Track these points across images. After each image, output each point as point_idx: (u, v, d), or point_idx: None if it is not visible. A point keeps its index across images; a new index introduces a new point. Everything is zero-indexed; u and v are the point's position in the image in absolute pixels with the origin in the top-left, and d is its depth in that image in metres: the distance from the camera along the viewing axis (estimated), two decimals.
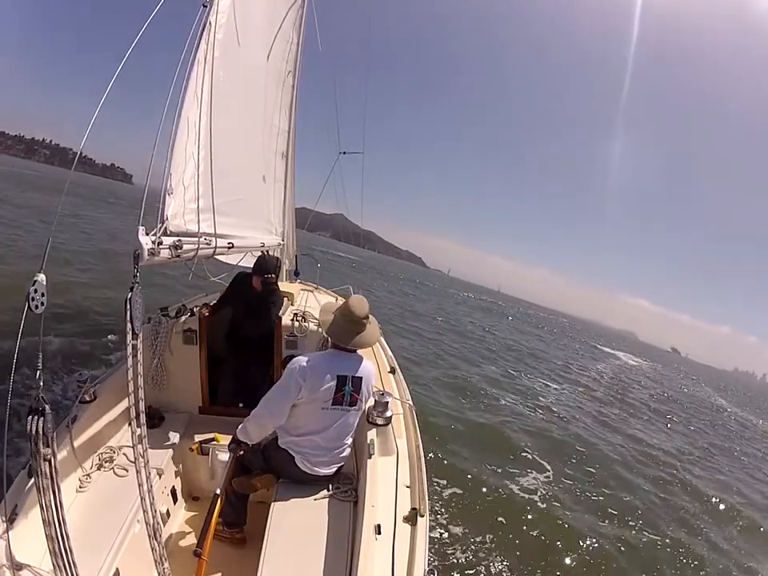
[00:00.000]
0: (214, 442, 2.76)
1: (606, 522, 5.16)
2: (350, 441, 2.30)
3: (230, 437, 2.30)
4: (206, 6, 2.28)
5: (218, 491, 2.12)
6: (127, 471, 2.27)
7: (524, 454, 6.40)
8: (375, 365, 3.43)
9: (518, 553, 4.07)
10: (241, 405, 3.07)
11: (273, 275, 3.12)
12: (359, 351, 2.29)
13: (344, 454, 2.28)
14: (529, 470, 5.90)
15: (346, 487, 2.25)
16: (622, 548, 4.63)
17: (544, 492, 5.37)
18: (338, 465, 2.28)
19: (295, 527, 2.01)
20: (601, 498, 5.74)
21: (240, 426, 2.22)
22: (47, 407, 1.36)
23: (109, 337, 6.63)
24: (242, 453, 2.25)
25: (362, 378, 2.20)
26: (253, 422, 2.15)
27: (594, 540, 4.56)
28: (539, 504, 5.05)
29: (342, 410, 2.17)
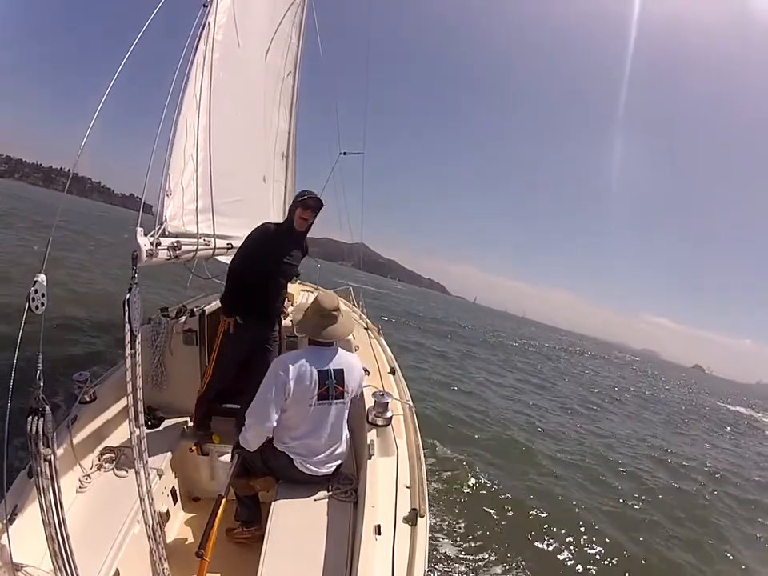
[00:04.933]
0: (215, 443, 2.76)
1: (616, 526, 5.13)
2: (344, 436, 2.31)
3: (231, 436, 2.30)
4: (206, 6, 2.28)
5: (222, 493, 2.10)
6: (127, 471, 2.27)
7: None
8: (375, 365, 3.42)
9: (518, 554, 4.06)
10: (239, 406, 3.07)
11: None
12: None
13: (340, 450, 2.28)
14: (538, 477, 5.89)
15: (346, 488, 2.25)
16: (629, 553, 4.60)
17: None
18: (337, 463, 2.28)
19: (295, 528, 2.01)
20: (611, 502, 5.73)
21: (240, 435, 2.22)
22: (47, 407, 1.36)
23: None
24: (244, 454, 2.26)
25: (342, 369, 2.21)
26: (250, 431, 2.16)
27: (602, 544, 4.55)
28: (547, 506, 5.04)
29: (329, 404, 2.18)
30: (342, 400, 2.22)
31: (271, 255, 2.67)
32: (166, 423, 2.89)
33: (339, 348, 2.29)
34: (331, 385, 2.16)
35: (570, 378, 18.13)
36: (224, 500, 2.08)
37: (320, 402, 2.15)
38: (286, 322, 3.28)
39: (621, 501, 5.86)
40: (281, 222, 2.90)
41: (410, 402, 3.01)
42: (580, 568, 4.14)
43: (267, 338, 2.88)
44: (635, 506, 5.82)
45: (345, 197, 6.43)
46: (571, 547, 4.38)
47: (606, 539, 4.65)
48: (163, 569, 1.67)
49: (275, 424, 2.14)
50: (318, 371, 2.13)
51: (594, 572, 4.16)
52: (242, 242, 2.75)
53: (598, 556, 4.36)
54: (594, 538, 4.59)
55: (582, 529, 4.70)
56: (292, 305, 3.80)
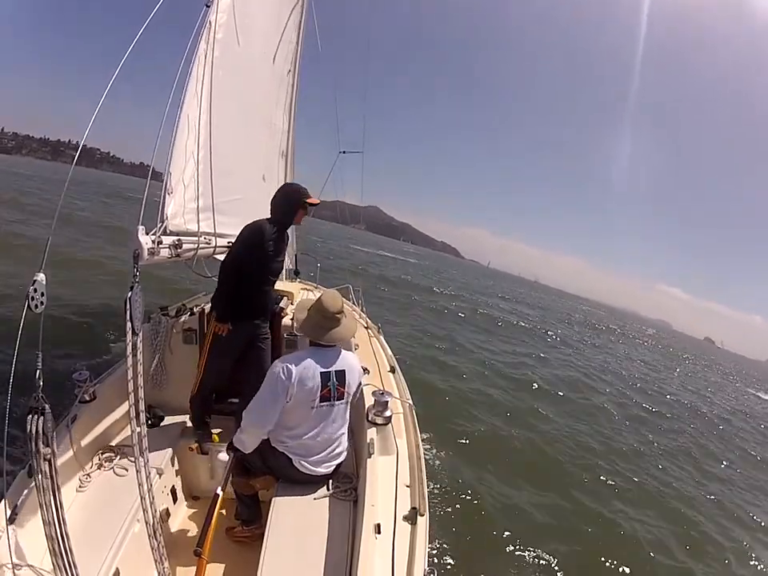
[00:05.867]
0: (214, 442, 2.76)
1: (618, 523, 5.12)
2: (344, 436, 2.31)
3: (231, 434, 2.30)
4: (209, 6, 2.29)
5: (219, 491, 2.11)
6: (127, 471, 2.27)
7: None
8: (375, 364, 3.43)
9: (519, 553, 4.07)
10: (236, 400, 3.06)
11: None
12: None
13: (340, 449, 2.28)
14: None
15: (346, 486, 2.25)
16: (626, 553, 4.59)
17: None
18: (336, 462, 2.28)
19: (295, 526, 2.01)
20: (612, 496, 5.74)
21: (235, 436, 2.21)
22: (47, 407, 1.36)
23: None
24: (239, 454, 2.24)
25: (344, 370, 2.20)
26: (246, 432, 2.14)
27: (602, 540, 4.55)
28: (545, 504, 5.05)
29: (331, 405, 2.17)
30: (343, 401, 2.22)
31: (265, 255, 2.66)
32: (166, 422, 2.88)
33: (341, 349, 2.28)
34: (333, 386, 2.15)
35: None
36: (220, 498, 2.09)
37: (322, 403, 2.14)
38: (286, 320, 3.28)
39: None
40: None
41: (410, 401, 3.01)
42: (582, 567, 4.15)
43: (258, 334, 2.86)
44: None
45: (344, 194, 6.45)
46: (575, 548, 4.38)
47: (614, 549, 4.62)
48: (164, 568, 1.67)
49: (272, 427, 2.13)
50: (320, 373, 2.13)
51: (598, 571, 4.17)
52: (235, 242, 2.69)
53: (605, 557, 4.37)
54: (598, 542, 4.58)
55: (588, 532, 4.71)
56: (292, 303, 3.80)
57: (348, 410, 2.30)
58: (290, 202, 2.69)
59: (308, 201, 2.65)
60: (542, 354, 14.34)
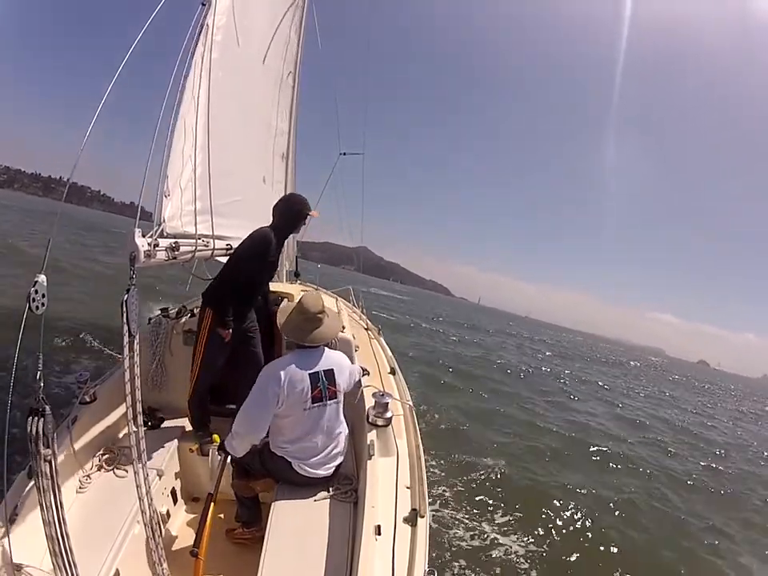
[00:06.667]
0: (215, 443, 2.76)
1: (620, 521, 5.12)
2: (342, 435, 2.30)
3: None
4: (205, 5, 2.27)
5: (211, 491, 2.14)
6: (127, 472, 2.27)
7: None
8: (375, 365, 3.43)
9: (519, 553, 4.06)
10: (233, 406, 3.06)
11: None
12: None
13: (337, 450, 2.27)
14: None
15: (346, 488, 2.25)
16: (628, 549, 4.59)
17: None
18: (335, 463, 2.27)
19: (295, 528, 2.01)
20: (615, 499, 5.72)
21: (226, 440, 2.20)
22: (47, 408, 1.36)
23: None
24: (230, 456, 2.24)
25: (332, 368, 2.21)
26: (237, 438, 2.14)
27: (603, 542, 4.55)
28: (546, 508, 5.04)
29: (324, 406, 2.17)
30: (335, 400, 2.22)
31: (268, 263, 2.81)
32: (167, 424, 2.89)
33: (325, 348, 2.29)
34: (323, 386, 2.16)
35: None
36: (213, 499, 2.11)
37: (314, 404, 2.14)
38: None
39: None
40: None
41: (410, 402, 3.01)
42: (584, 568, 4.14)
43: (248, 327, 2.90)
44: None
45: (345, 200, 6.47)
46: (577, 549, 4.37)
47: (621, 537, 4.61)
48: (163, 569, 1.67)
49: (264, 433, 2.14)
50: (309, 374, 2.13)
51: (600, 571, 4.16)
52: (241, 247, 2.74)
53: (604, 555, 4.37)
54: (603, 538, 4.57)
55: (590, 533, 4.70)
56: None
57: (341, 409, 2.30)
58: (294, 215, 2.80)
59: (308, 211, 2.80)
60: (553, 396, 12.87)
